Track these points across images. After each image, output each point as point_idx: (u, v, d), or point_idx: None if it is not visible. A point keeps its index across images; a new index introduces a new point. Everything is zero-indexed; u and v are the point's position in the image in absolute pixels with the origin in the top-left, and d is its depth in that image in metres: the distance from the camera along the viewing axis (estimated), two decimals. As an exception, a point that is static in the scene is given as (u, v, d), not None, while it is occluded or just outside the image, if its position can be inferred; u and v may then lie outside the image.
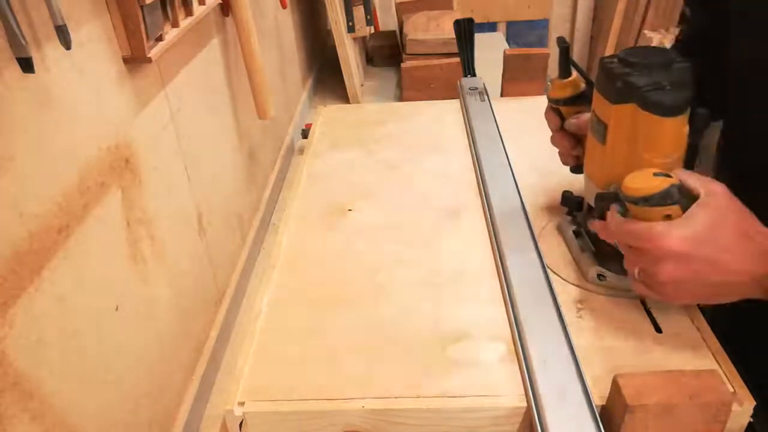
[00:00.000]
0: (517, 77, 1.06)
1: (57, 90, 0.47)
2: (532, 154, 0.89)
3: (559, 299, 0.60)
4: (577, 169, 0.73)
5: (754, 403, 0.51)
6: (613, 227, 0.56)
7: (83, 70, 0.51)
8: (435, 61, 1.44)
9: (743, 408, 0.51)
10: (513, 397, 0.53)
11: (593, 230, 0.61)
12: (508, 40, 2.06)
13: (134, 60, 0.57)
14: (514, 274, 0.64)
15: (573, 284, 0.65)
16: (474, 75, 1.14)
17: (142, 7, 0.55)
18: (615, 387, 0.49)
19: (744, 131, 0.66)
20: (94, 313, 0.52)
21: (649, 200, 0.52)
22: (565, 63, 0.70)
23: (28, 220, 0.43)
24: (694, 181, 0.53)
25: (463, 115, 1.03)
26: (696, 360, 0.56)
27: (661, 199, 0.52)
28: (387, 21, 1.90)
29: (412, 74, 1.43)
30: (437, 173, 0.88)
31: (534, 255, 0.67)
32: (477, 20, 1.19)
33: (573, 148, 0.71)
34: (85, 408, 0.50)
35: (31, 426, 0.43)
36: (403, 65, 1.45)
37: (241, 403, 0.54)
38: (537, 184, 0.83)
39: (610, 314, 0.61)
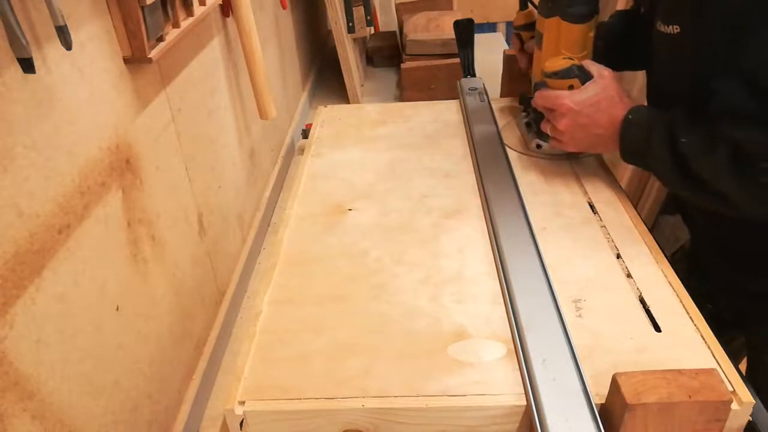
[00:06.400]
0: (517, 77, 1.06)
1: (57, 90, 0.47)
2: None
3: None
4: None
5: (754, 402, 0.51)
6: (537, 95, 0.81)
7: (84, 71, 0.51)
8: (435, 62, 1.44)
9: (742, 407, 0.51)
10: (512, 396, 0.53)
11: (534, 106, 0.84)
12: (507, 41, 2.06)
13: (135, 60, 0.57)
14: (513, 273, 0.65)
15: (521, 152, 0.91)
16: (474, 75, 1.14)
17: (142, 8, 0.55)
18: (614, 386, 0.49)
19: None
20: (95, 313, 0.52)
21: (557, 74, 0.78)
22: None
23: (29, 220, 0.43)
24: (592, 66, 0.78)
25: (463, 115, 1.03)
26: (695, 359, 0.56)
27: (565, 73, 0.78)
28: (387, 21, 1.90)
29: (412, 75, 1.43)
30: (437, 173, 0.88)
31: (533, 255, 0.67)
32: (477, 21, 1.19)
33: (530, 63, 0.95)
34: (85, 408, 0.50)
35: (32, 425, 0.43)
36: (403, 66, 1.45)
37: (242, 403, 0.54)
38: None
39: (609, 313, 0.61)
